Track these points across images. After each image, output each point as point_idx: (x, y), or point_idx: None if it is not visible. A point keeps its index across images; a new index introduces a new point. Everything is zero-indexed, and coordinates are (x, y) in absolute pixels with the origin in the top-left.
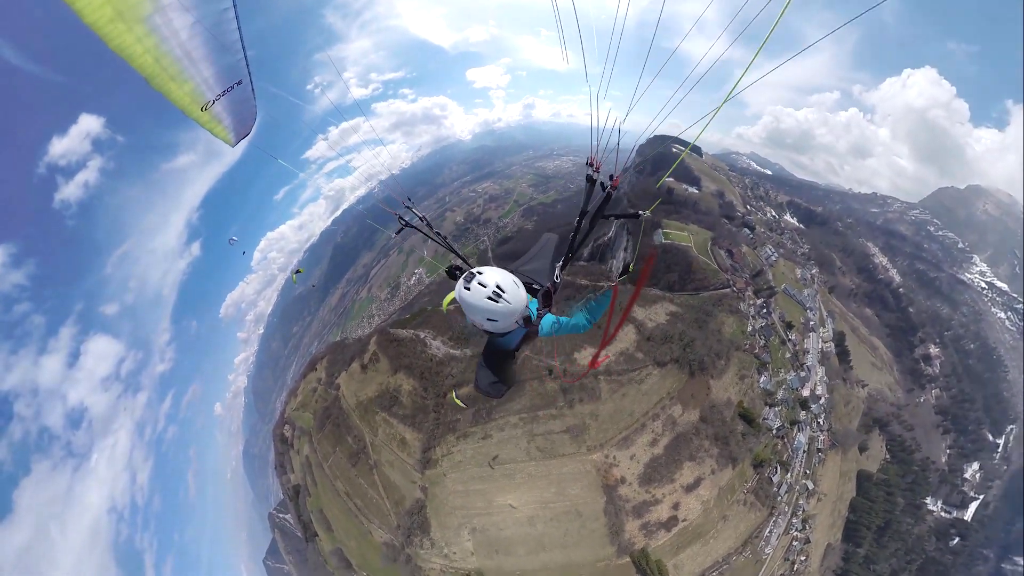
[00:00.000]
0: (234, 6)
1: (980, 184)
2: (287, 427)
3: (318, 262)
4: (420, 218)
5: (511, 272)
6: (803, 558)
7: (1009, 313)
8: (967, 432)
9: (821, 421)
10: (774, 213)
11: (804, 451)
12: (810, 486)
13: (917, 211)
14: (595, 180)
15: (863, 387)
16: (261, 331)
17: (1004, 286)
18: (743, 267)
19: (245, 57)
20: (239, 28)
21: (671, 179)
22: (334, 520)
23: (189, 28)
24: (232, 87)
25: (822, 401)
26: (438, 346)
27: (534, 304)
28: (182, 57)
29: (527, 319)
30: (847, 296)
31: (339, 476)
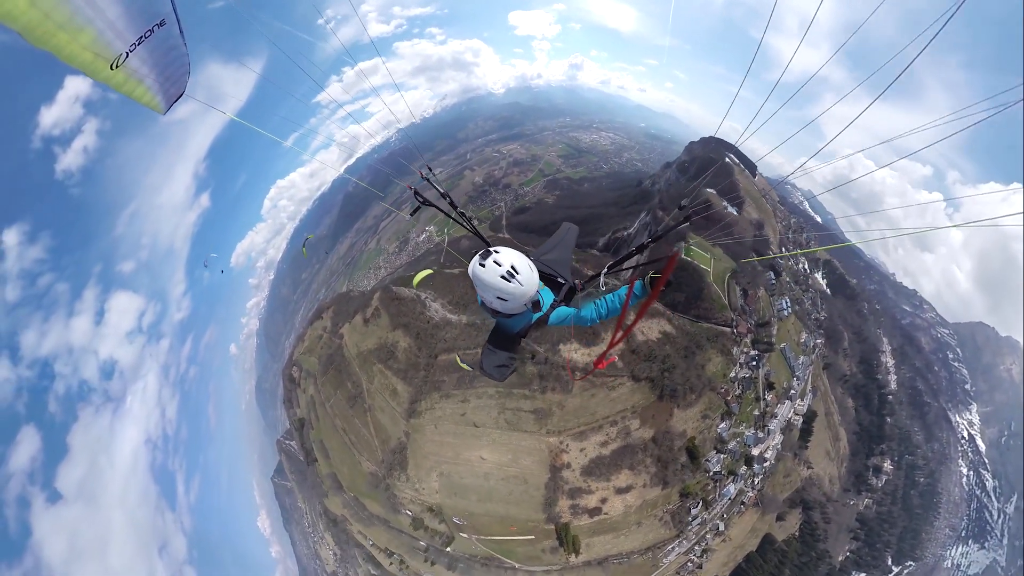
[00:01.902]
0: None
1: (1020, 342)
2: (295, 368)
3: (328, 211)
4: (441, 194)
5: (529, 257)
6: None
7: (971, 473)
8: (873, 548)
9: (756, 481)
10: (807, 267)
11: (730, 499)
12: (721, 527)
13: (946, 331)
14: (690, 219)
15: (808, 468)
16: (271, 277)
17: (983, 447)
18: (752, 311)
19: None
20: None
21: (712, 191)
22: (331, 450)
23: None
24: (152, 30)
25: (766, 464)
26: (437, 308)
27: (548, 293)
28: None
29: (536, 304)
30: (838, 379)
31: (338, 415)
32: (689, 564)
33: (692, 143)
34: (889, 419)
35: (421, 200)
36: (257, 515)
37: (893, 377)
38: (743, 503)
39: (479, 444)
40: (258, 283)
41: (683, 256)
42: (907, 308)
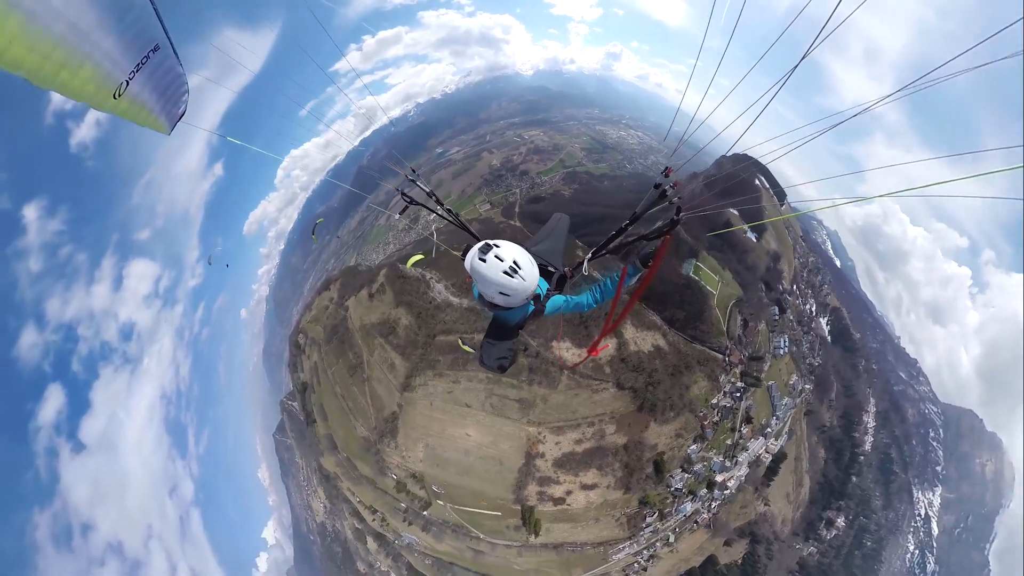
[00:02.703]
0: None
1: (1004, 440)
2: (301, 335)
3: (341, 183)
4: (428, 193)
5: (525, 249)
6: None
7: (917, 551)
8: None
9: (713, 505)
10: (814, 310)
11: (685, 516)
12: (671, 539)
13: (935, 410)
14: (668, 196)
15: (765, 505)
16: (282, 247)
17: (935, 531)
18: (749, 343)
19: (155, 9)
20: None
21: (735, 212)
22: (330, 413)
23: None
24: (148, 56)
25: (726, 492)
26: (440, 290)
27: (543, 283)
28: (66, 32)
29: (536, 297)
30: (816, 428)
31: (338, 382)
32: (635, 565)
33: (723, 157)
34: (855, 478)
35: (408, 200)
36: (258, 467)
37: (870, 439)
38: (696, 522)
39: (464, 423)
40: (268, 252)
41: (691, 275)
42: (903, 375)
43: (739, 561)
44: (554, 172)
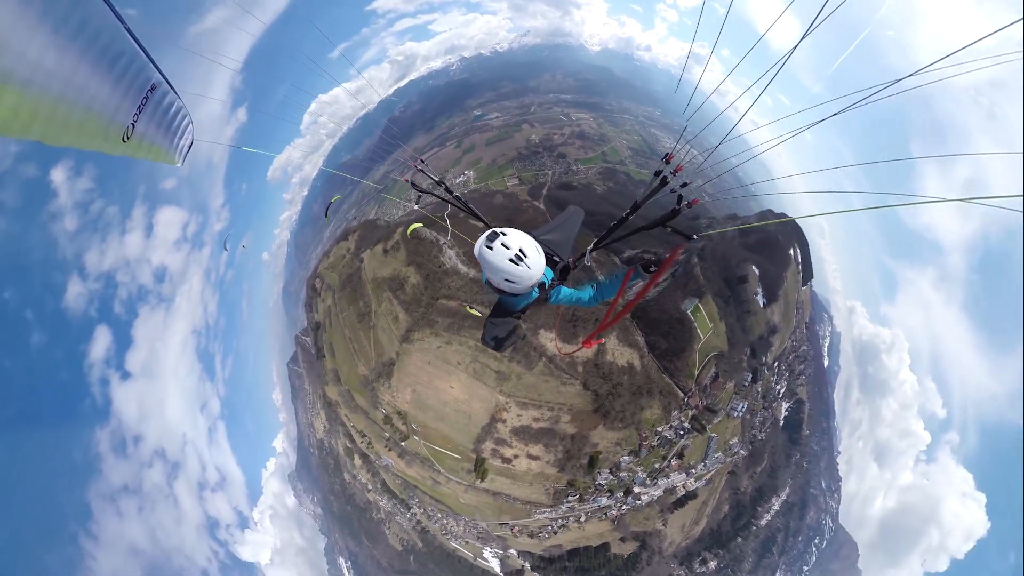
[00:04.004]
0: None
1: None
2: (318, 280)
3: (369, 133)
4: (436, 181)
5: (533, 237)
6: (545, 536)
7: None
8: None
9: (623, 508)
10: (782, 392)
11: (599, 506)
12: (582, 519)
13: (831, 525)
14: (667, 182)
15: (662, 524)
16: (305, 193)
17: None
18: (710, 395)
19: (143, 50)
20: (115, 13)
21: (756, 270)
22: (337, 351)
23: (55, 49)
24: (147, 96)
25: (637, 502)
26: (451, 256)
27: (549, 273)
28: (64, 90)
29: (541, 286)
30: (731, 487)
31: (347, 326)
32: (549, 527)
33: (770, 211)
34: (740, 539)
35: (420, 191)
36: (272, 390)
37: (768, 517)
38: (605, 514)
39: (449, 379)
40: (291, 198)
41: (688, 313)
42: (823, 484)
43: (625, 556)
44: (593, 163)
